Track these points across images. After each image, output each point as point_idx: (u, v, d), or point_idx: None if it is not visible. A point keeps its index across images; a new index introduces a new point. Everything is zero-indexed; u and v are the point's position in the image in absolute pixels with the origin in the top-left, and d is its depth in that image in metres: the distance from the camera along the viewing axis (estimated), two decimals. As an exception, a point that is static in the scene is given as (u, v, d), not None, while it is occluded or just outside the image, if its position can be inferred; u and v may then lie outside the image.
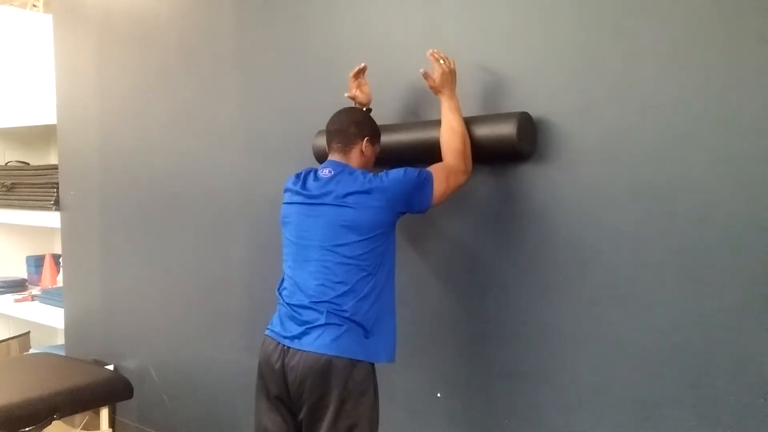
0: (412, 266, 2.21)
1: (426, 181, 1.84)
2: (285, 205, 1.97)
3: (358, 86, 2.13)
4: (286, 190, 1.98)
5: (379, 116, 2.09)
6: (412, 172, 1.84)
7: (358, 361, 1.77)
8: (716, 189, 1.64)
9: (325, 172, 1.89)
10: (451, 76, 1.92)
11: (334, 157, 1.95)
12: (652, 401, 1.75)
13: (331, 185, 1.85)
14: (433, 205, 1.86)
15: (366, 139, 1.93)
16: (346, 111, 2.00)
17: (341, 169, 1.88)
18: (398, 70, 2.23)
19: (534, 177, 1.93)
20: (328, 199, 1.84)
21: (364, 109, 2.13)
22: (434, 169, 1.87)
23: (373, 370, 1.83)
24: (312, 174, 1.94)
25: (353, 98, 2.13)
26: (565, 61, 1.87)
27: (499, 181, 2.01)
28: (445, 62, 1.92)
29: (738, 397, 1.62)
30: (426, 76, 1.94)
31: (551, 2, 1.89)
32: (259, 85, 2.69)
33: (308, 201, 1.88)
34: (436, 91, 1.94)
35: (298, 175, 1.97)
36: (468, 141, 1.90)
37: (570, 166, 1.87)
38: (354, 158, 1.93)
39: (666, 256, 1.71)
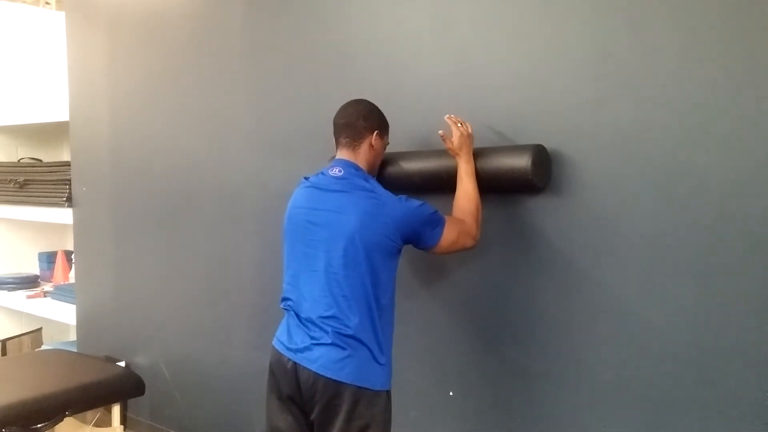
0: (424, 265, 2.20)
1: (439, 222, 1.82)
2: (291, 209, 1.93)
3: None
4: (295, 193, 1.95)
5: (389, 113, 2.08)
6: (429, 208, 1.82)
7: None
8: (732, 187, 1.62)
9: (334, 171, 1.87)
10: (469, 139, 1.92)
11: (342, 154, 1.93)
12: (666, 400, 1.73)
13: (341, 186, 1.82)
14: (437, 252, 1.86)
15: (375, 132, 1.92)
16: (353, 104, 1.97)
17: (352, 172, 1.86)
18: (407, 65, 2.22)
19: (548, 201, 1.92)
20: (335, 205, 1.81)
21: None
22: (449, 218, 1.86)
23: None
24: (320, 174, 1.91)
25: None
26: (574, 62, 1.86)
27: (514, 207, 1.99)
28: (462, 126, 1.92)
29: (752, 397, 1.60)
30: (444, 138, 1.93)
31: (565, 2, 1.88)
32: (270, 81, 2.68)
33: (316, 206, 1.84)
34: (454, 153, 1.93)
35: (307, 178, 1.95)
36: (480, 207, 1.90)
37: (584, 157, 1.85)
38: (363, 153, 1.91)
39: (682, 254, 1.70)
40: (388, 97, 2.15)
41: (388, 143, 2.03)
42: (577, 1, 1.85)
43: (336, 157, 1.94)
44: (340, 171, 1.86)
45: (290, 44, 2.59)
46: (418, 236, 1.82)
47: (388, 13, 2.27)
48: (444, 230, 1.82)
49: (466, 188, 1.90)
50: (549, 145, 1.88)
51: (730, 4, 1.61)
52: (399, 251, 1.84)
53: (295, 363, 1.79)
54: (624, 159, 1.78)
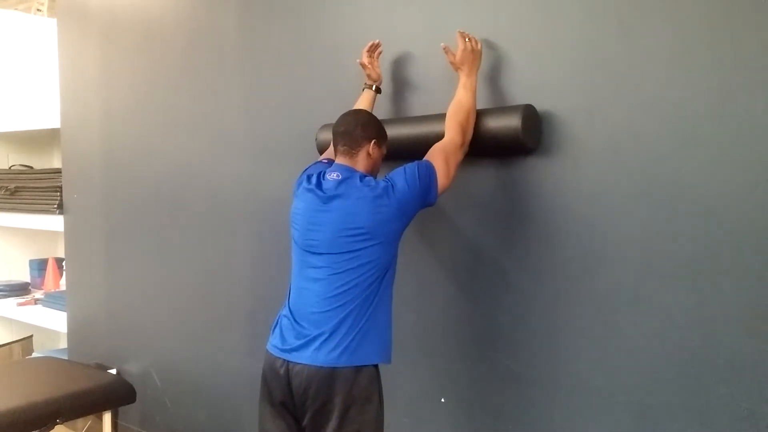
0: (416, 269, 2.20)
1: (430, 180, 1.82)
2: (294, 210, 1.95)
3: (371, 62, 2.18)
4: (297, 192, 1.97)
5: (384, 112, 2.11)
6: (413, 177, 1.81)
7: (362, 366, 1.77)
8: (722, 191, 1.63)
9: (333, 175, 1.88)
10: (472, 55, 1.95)
11: (340, 160, 1.93)
12: (656, 406, 1.74)
13: (340, 189, 1.83)
14: (440, 194, 1.87)
15: (373, 141, 1.91)
16: (353, 113, 1.98)
17: (349, 175, 1.87)
18: (402, 68, 2.24)
19: (539, 170, 1.93)
20: (335, 206, 1.82)
21: (374, 87, 2.18)
22: (433, 157, 1.86)
23: (378, 376, 1.82)
24: (321, 176, 1.92)
25: (363, 67, 2.18)
26: (570, 58, 1.87)
27: (504, 174, 2.01)
28: (470, 41, 1.95)
29: (742, 403, 1.61)
30: (447, 50, 1.97)
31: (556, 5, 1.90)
32: (263, 86, 2.69)
33: (316, 208, 1.86)
34: (456, 67, 1.96)
35: (309, 177, 1.95)
36: (472, 117, 1.91)
37: (575, 160, 1.87)
38: (360, 161, 1.91)
39: (671, 260, 1.71)
40: (382, 102, 2.18)
41: (386, 153, 2.05)
42: (570, 7, 1.87)
43: (335, 162, 1.96)
44: (338, 175, 1.87)
45: (283, 51, 2.60)
46: (421, 205, 1.85)
47: (382, 18, 2.29)
48: (438, 180, 1.84)
49: (460, 98, 1.93)
50: (540, 150, 1.90)
51: (720, 13, 1.63)
52: (402, 232, 1.85)
53: (287, 368, 1.79)
54: (613, 165, 1.79)
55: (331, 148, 2.01)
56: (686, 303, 1.69)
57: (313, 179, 1.93)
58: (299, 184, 1.97)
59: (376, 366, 1.81)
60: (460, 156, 1.90)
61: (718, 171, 1.64)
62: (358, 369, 1.76)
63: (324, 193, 1.86)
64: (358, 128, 1.91)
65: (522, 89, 1.97)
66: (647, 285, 1.75)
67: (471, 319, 2.11)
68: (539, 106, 1.90)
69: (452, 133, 1.89)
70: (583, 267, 1.86)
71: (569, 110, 1.87)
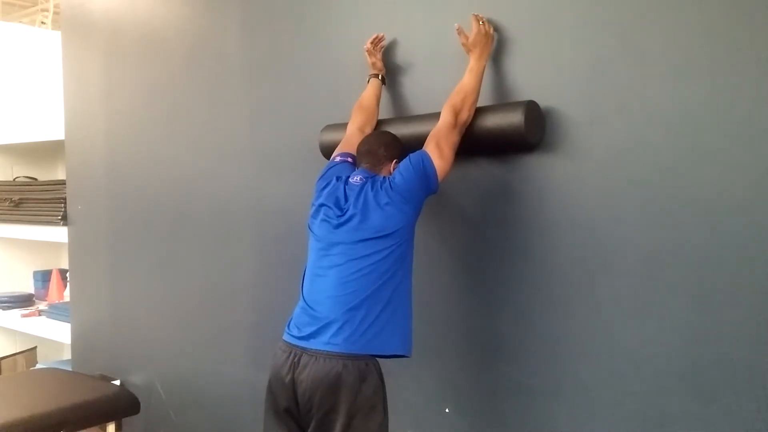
0: (419, 279, 2.20)
1: (423, 165, 1.86)
2: (316, 207, 1.98)
3: (374, 51, 2.24)
4: (324, 191, 1.99)
5: (385, 112, 2.14)
6: (406, 168, 1.87)
7: (370, 365, 1.78)
8: (725, 200, 1.63)
9: (356, 179, 1.94)
10: (485, 38, 1.96)
11: (363, 167, 2.00)
12: (661, 416, 1.73)
13: (361, 194, 1.89)
14: (441, 180, 1.90)
15: (395, 161, 1.98)
16: (377, 134, 2.08)
17: (370, 177, 1.93)
18: (403, 74, 2.26)
19: (541, 169, 1.93)
20: (355, 210, 1.87)
21: (379, 77, 2.23)
22: (425, 144, 1.91)
23: (383, 385, 1.82)
24: (346, 182, 1.97)
25: (369, 54, 2.24)
26: (571, 60, 1.88)
27: (507, 172, 2.01)
28: (484, 25, 1.96)
29: (748, 412, 1.60)
30: (460, 31, 1.99)
31: (558, 9, 1.90)
32: (266, 97, 2.70)
33: (340, 210, 1.91)
34: (468, 49, 1.98)
35: (338, 179, 1.99)
36: (470, 98, 1.93)
37: (577, 163, 1.87)
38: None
39: (675, 268, 1.70)
40: (384, 101, 2.21)
41: None
42: (570, 17, 1.88)
43: (358, 168, 2.02)
44: (361, 179, 1.94)
45: (285, 61, 2.61)
46: (424, 191, 1.88)
47: (383, 30, 2.29)
48: (434, 164, 1.87)
49: (463, 82, 1.95)
50: (543, 148, 1.91)
51: (721, 23, 1.64)
52: (416, 219, 1.89)
53: (293, 377, 1.79)
54: (615, 170, 1.79)
55: (346, 140, 2.11)
56: (689, 310, 1.68)
57: (342, 181, 1.98)
58: (327, 182, 2.01)
59: (380, 376, 1.81)
60: (454, 136, 1.92)
61: (722, 178, 1.63)
62: (364, 377, 1.76)
63: (348, 199, 1.92)
64: (381, 148, 2.00)
65: (523, 90, 1.97)
66: (651, 295, 1.74)
67: (475, 330, 2.10)
68: (542, 104, 1.90)
69: (445, 114, 1.92)
70: (585, 273, 1.85)
71: (572, 110, 1.87)
